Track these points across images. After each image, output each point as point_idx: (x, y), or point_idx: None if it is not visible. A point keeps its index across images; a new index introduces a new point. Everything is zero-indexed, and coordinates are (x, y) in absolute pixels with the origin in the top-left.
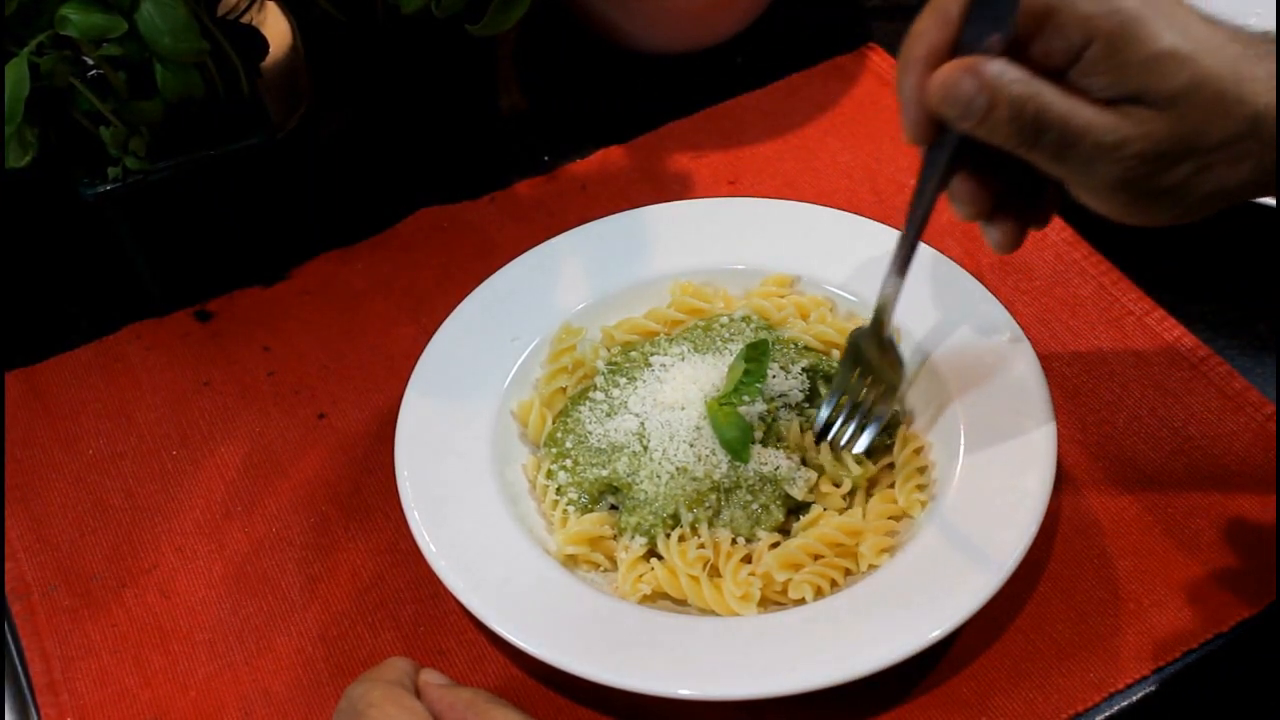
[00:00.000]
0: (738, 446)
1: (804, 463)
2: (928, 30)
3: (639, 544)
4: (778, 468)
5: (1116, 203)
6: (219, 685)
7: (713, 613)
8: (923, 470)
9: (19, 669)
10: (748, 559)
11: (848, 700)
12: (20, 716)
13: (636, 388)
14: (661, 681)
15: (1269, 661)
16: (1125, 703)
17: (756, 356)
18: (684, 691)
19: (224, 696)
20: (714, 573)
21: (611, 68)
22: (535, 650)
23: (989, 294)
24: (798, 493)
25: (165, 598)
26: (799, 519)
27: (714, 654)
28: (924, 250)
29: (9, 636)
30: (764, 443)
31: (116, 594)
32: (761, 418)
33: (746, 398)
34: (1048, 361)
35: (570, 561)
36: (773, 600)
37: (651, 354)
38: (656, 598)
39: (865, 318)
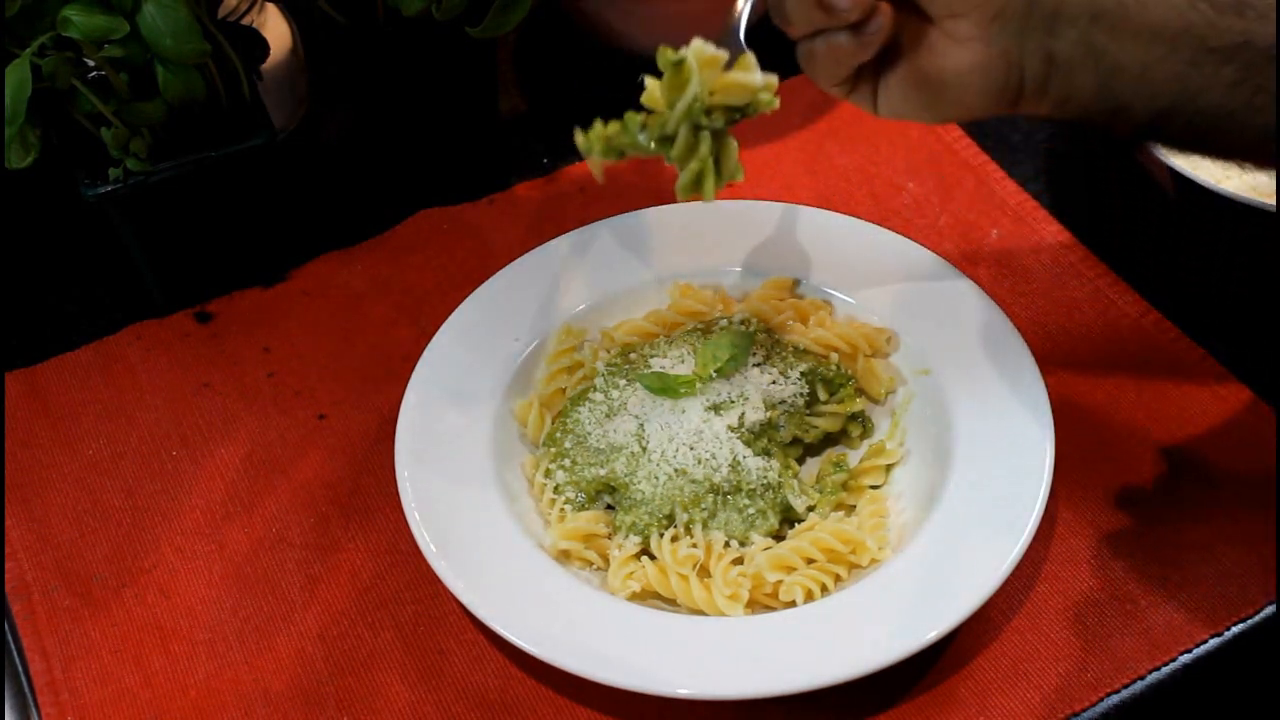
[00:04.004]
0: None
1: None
2: None
3: (633, 542)
4: (780, 475)
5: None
6: (219, 685)
7: (700, 613)
8: (882, 518)
9: (19, 669)
10: (739, 562)
11: (846, 700)
12: (20, 716)
13: (636, 389)
14: (662, 681)
15: (1266, 663)
16: (1122, 703)
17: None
18: (683, 691)
19: (224, 696)
20: (704, 573)
21: (610, 70)
22: (536, 650)
23: (986, 296)
24: (799, 504)
25: (165, 598)
26: (794, 527)
27: (714, 654)
28: (921, 252)
29: (9, 636)
30: (767, 451)
31: (117, 594)
32: (763, 425)
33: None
34: (1044, 364)
35: (563, 557)
36: (761, 603)
37: (651, 356)
38: (646, 596)
39: (864, 321)
